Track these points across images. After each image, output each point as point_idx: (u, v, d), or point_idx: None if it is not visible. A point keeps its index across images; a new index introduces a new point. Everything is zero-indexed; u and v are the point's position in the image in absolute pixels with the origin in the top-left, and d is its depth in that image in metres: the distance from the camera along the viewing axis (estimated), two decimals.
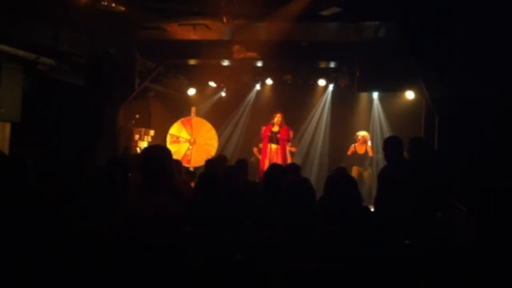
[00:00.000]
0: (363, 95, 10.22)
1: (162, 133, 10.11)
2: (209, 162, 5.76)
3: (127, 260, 2.31)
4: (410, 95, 8.38)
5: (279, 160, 8.62)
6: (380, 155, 9.25)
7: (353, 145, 9.15)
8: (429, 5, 5.46)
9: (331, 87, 10.37)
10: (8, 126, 6.43)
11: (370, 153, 9.10)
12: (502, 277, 2.13)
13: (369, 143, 9.19)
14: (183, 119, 9.88)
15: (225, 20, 6.05)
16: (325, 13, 5.83)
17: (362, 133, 9.18)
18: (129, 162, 4.29)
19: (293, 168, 5.29)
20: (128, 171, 3.97)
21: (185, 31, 6.91)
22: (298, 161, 9.32)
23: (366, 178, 8.90)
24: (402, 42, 6.11)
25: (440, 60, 5.52)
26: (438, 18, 5.44)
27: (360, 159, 9.07)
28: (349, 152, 9.12)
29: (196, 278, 2.32)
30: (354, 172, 8.75)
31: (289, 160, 8.92)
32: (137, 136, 9.78)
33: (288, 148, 9.09)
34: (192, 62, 8.92)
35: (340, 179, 3.77)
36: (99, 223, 2.55)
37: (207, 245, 2.38)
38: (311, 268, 2.28)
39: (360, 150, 9.08)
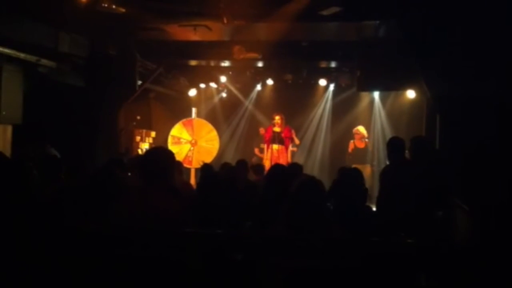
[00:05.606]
0: (364, 95, 10.21)
1: (163, 134, 10.11)
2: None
3: (126, 260, 2.31)
4: (411, 94, 8.36)
5: (282, 160, 8.61)
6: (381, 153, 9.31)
7: (352, 141, 9.15)
8: (429, 3, 5.45)
9: (331, 86, 10.38)
10: (9, 128, 6.44)
11: (370, 147, 9.12)
12: (503, 275, 2.12)
13: (367, 139, 9.21)
14: (184, 120, 9.87)
15: (225, 20, 6.05)
16: (325, 12, 5.83)
17: (359, 128, 9.18)
18: (129, 163, 4.30)
19: (296, 169, 5.28)
20: (128, 171, 3.97)
21: (186, 32, 6.91)
22: (299, 161, 9.31)
23: (367, 176, 8.87)
24: (402, 41, 6.10)
25: (441, 58, 5.51)
26: (438, 16, 5.42)
27: (361, 154, 9.05)
28: (350, 149, 9.11)
29: (196, 278, 2.32)
30: None
31: (290, 160, 8.92)
32: (138, 138, 9.78)
33: (290, 148, 9.08)
34: (192, 62, 8.94)
35: (341, 180, 3.76)
36: (99, 223, 2.55)
37: (207, 245, 2.38)
38: (312, 267, 2.27)
39: (360, 144, 9.09)
